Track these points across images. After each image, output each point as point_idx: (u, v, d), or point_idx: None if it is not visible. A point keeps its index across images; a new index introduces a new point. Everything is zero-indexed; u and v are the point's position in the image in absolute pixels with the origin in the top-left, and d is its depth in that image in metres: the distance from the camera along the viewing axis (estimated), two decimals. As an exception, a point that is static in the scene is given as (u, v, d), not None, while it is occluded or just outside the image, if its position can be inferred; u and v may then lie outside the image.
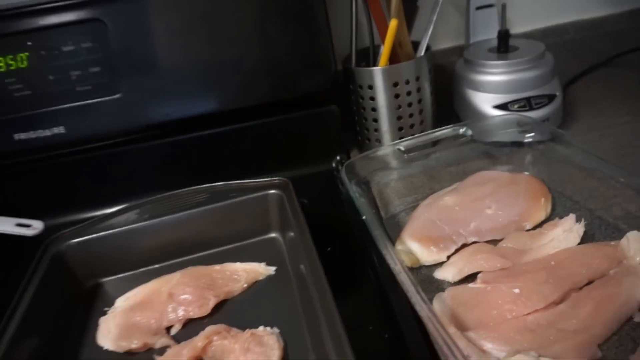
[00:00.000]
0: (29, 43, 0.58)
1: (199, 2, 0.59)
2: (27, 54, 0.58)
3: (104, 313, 0.50)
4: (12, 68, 0.59)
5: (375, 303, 0.48)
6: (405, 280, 0.39)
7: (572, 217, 0.50)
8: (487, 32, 0.80)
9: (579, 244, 0.47)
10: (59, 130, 0.62)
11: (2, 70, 0.58)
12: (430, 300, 0.44)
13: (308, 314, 0.44)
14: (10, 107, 0.60)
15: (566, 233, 0.48)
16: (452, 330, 0.38)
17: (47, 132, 0.62)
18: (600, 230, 0.50)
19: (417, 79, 0.66)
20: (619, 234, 0.48)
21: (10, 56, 0.58)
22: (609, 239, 0.48)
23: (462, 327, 0.40)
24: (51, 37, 0.58)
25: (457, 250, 0.50)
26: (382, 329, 0.44)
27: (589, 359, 0.36)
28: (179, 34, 0.60)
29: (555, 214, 0.53)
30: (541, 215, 0.53)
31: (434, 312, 0.37)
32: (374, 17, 0.66)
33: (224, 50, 0.62)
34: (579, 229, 0.48)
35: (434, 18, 0.66)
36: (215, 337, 0.43)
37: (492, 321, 0.40)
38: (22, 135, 0.62)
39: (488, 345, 0.38)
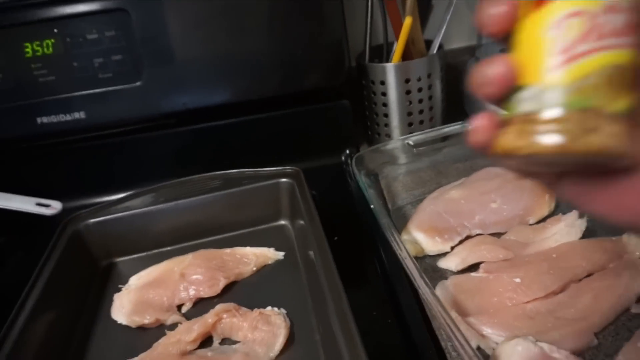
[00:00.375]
0: (55, 30, 0.61)
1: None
2: (53, 40, 0.61)
3: (118, 290, 0.52)
4: (38, 54, 0.61)
5: (380, 291, 0.49)
6: (410, 265, 0.41)
7: (575, 212, 0.51)
8: (499, 33, 0.81)
9: (581, 239, 0.48)
10: (80, 115, 0.64)
11: (28, 55, 0.61)
12: (434, 287, 0.45)
13: (315, 296, 0.46)
14: (34, 92, 0.63)
15: (568, 228, 0.49)
16: (453, 314, 0.39)
17: (68, 117, 0.64)
18: (601, 227, 0.50)
19: (429, 76, 0.68)
20: (619, 231, 0.48)
21: (37, 42, 0.61)
22: (610, 236, 0.49)
23: (463, 313, 0.42)
24: (77, 25, 0.61)
25: (461, 242, 0.51)
26: (386, 315, 0.46)
27: (586, 346, 0.38)
28: (199, 26, 0.62)
29: (558, 210, 0.54)
30: (545, 211, 0.54)
31: (437, 296, 0.38)
32: (389, 14, 0.67)
33: (241, 43, 0.64)
34: (581, 225, 0.49)
35: (448, 17, 0.67)
36: (225, 314, 0.44)
37: (492, 308, 0.42)
38: (44, 119, 0.64)
39: (487, 330, 0.39)
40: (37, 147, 0.68)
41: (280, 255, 0.54)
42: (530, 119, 0.19)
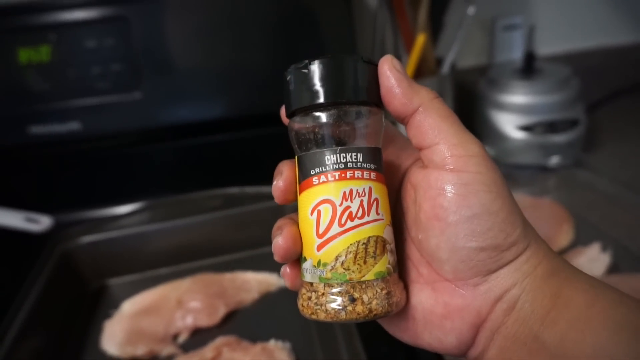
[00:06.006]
0: (53, 37, 0.58)
1: (225, 8, 0.59)
2: (50, 47, 0.58)
3: (109, 315, 0.48)
4: (33, 61, 0.58)
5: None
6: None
7: (597, 245, 0.49)
8: (510, 52, 0.79)
9: (604, 274, 0.46)
10: (75, 126, 0.61)
11: (23, 62, 0.58)
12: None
13: (322, 328, 0.43)
14: (27, 100, 0.60)
15: (591, 262, 0.46)
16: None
17: (62, 127, 0.61)
18: (625, 261, 0.48)
19: (440, 95, 0.65)
20: (644, 266, 0.46)
21: (33, 49, 0.58)
22: (634, 271, 0.46)
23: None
24: (75, 32, 0.58)
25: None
26: (397, 350, 0.43)
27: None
28: (201, 37, 0.60)
29: (578, 241, 0.51)
30: (563, 241, 0.51)
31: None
32: (401, 29, 0.65)
33: (245, 56, 0.61)
34: (604, 259, 0.47)
35: (461, 35, 0.65)
36: (225, 348, 0.41)
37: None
38: (37, 129, 0.61)
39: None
40: (28, 157, 0.65)
41: (283, 282, 0.50)
42: (312, 290, 0.22)
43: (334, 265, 0.21)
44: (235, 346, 0.41)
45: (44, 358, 0.43)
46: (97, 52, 0.59)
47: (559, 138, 0.64)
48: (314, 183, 0.22)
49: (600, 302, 0.19)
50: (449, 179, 0.21)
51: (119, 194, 0.66)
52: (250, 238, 0.55)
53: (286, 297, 0.49)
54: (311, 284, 0.22)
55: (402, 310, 0.23)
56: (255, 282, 0.50)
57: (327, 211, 0.21)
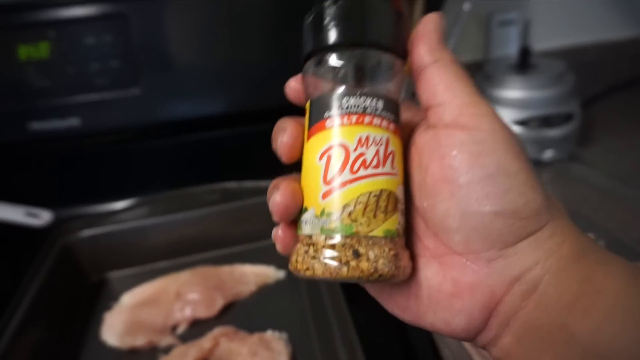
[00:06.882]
0: (52, 33, 0.58)
1: (223, 4, 0.60)
2: (49, 44, 0.58)
3: (109, 307, 0.49)
4: (33, 57, 0.59)
5: (385, 316, 0.47)
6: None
7: (589, 236, 0.49)
8: (506, 47, 0.80)
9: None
10: (75, 122, 0.62)
11: (23, 59, 0.58)
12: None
13: (318, 319, 0.44)
14: (27, 96, 0.60)
15: (584, 253, 0.47)
16: (467, 345, 0.37)
17: (62, 123, 0.62)
18: (618, 254, 0.48)
19: (436, 90, 0.66)
20: (637, 257, 0.47)
21: (33, 45, 0.58)
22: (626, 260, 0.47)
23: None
24: (74, 29, 0.58)
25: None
26: (392, 342, 0.44)
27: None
28: (201, 33, 0.60)
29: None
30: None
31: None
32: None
33: (244, 52, 0.62)
34: (596, 250, 0.47)
35: (458, 31, 0.66)
36: (223, 338, 0.42)
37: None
38: (38, 125, 0.61)
39: None
40: (29, 153, 0.65)
41: (281, 274, 0.51)
42: (310, 242, 0.20)
43: (340, 214, 0.19)
44: (233, 336, 0.42)
45: (45, 349, 0.44)
46: (96, 49, 0.59)
47: (554, 132, 0.64)
48: (327, 126, 0.20)
49: None
50: (461, 136, 0.19)
51: (119, 188, 0.67)
52: (248, 232, 0.56)
53: (283, 289, 0.50)
54: (310, 236, 0.20)
55: (404, 286, 0.21)
56: (252, 275, 0.50)
57: (338, 156, 0.20)
